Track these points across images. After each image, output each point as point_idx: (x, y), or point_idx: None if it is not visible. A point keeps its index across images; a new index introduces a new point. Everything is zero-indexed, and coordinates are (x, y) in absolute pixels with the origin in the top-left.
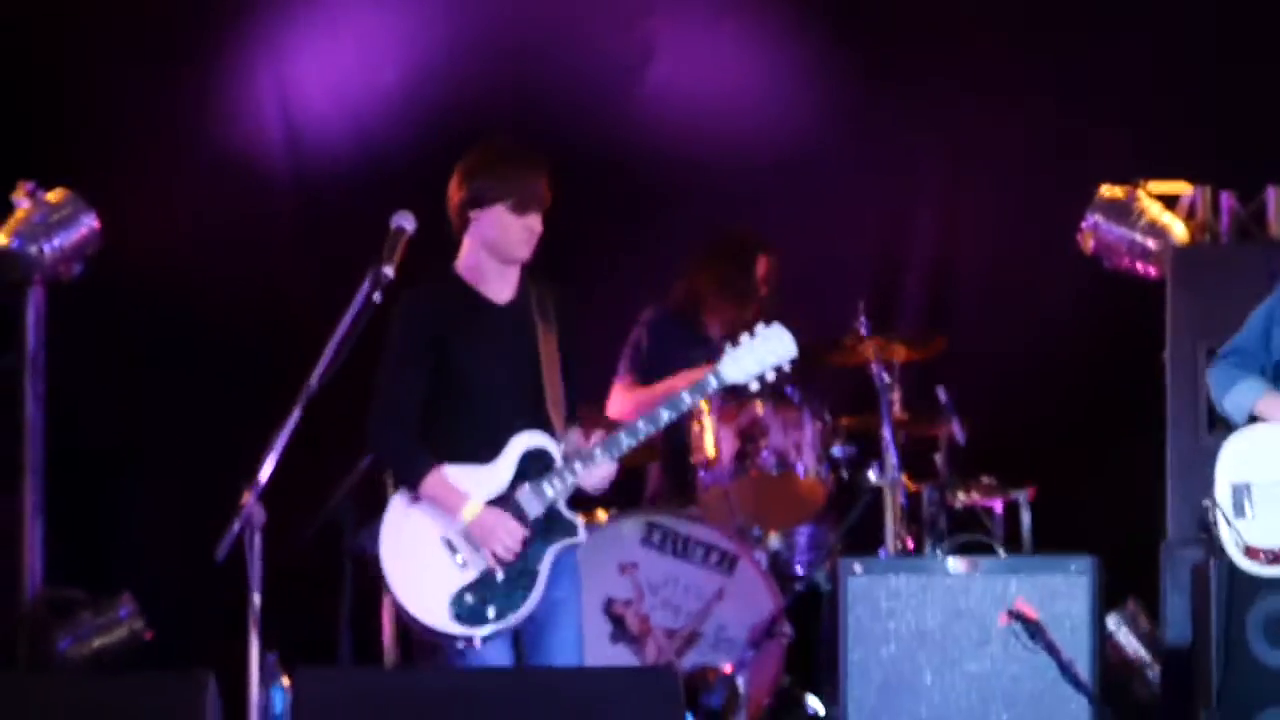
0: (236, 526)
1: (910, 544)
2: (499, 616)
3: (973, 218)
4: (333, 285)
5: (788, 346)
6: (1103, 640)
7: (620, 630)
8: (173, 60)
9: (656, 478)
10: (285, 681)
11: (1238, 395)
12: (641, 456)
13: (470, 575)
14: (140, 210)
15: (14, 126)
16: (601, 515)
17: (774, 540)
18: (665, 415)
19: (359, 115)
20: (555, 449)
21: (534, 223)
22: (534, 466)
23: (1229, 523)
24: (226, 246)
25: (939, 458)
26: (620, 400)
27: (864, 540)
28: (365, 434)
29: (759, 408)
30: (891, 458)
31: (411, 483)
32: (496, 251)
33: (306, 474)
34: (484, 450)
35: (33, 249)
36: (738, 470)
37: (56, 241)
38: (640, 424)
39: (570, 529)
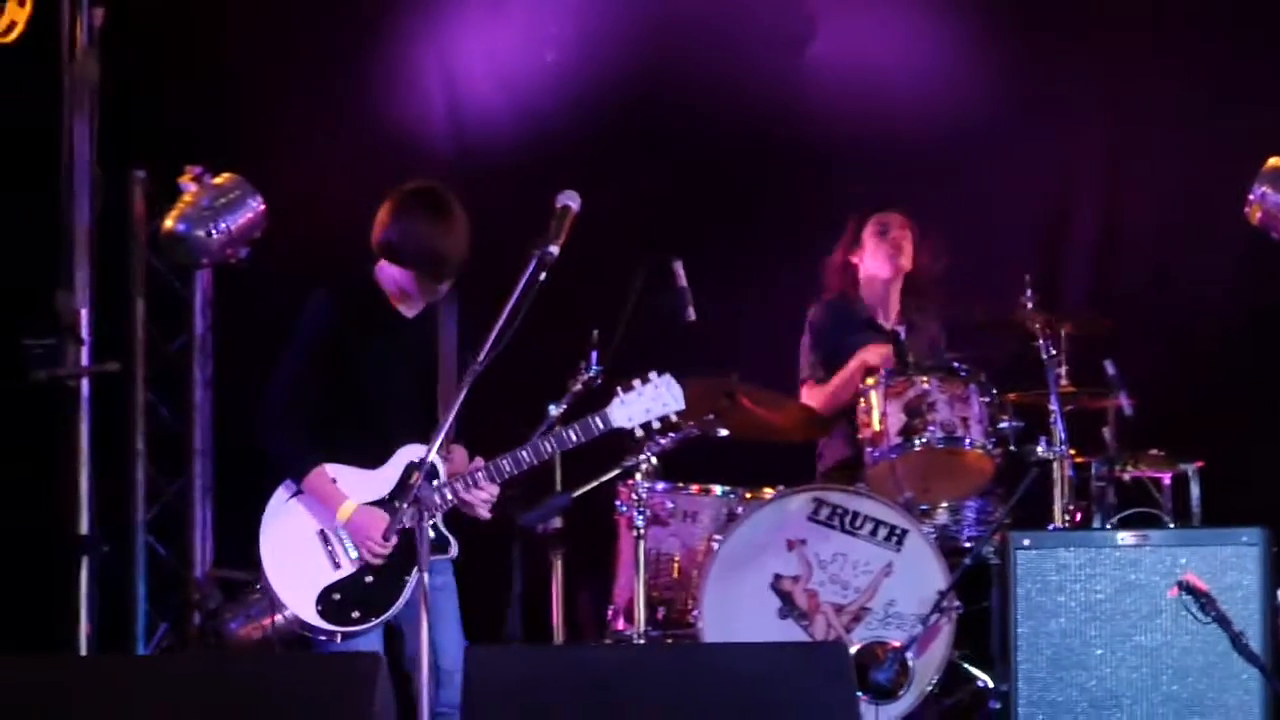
0: (406, 506)
1: (1078, 517)
2: (362, 619)
3: (1139, 188)
4: (497, 265)
5: (675, 399)
6: (1274, 612)
7: (789, 606)
8: (337, 42)
9: (833, 453)
10: None
11: None
12: (814, 432)
13: (341, 574)
14: (307, 192)
15: (182, 112)
16: (768, 492)
17: (941, 514)
18: (547, 447)
19: (521, 94)
20: (441, 464)
21: (441, 287)
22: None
23: None
24: None
25: (1107, 431)
26: (812, 401)
27: (1032, 514)
28: (254, 419)
29: (925, 382)
30: (1059, 431)
31: (294, 479)
32: (402, 291)
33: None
34: (370, 454)
35: (200, 233)
36: (905, 445)
37: (223, 225)
38: (524, 453)
39: (442, 544)
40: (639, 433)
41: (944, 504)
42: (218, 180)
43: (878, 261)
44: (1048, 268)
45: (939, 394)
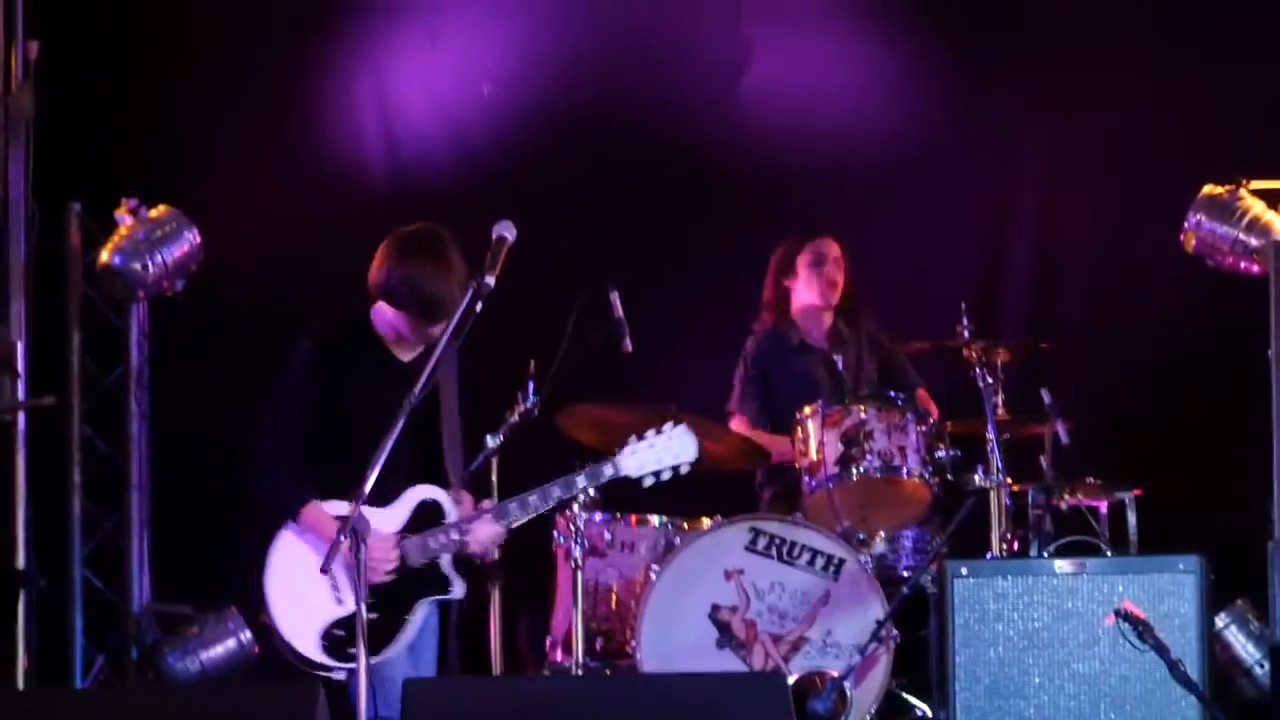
0: (341, 537)
1: (1016, 546)
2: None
3: (1075, 218)
4: None
5: (689, 450)
6: (1211, 639)
7: (726, 636)
8: (274, 75)
9: (764, 484)
10: None
11: None
12: (753, 462)
13: (344, 610)
14: (242, 224)
15: (117, 144)
16: (706, 522)
17: (879, 544)
18: (555, 493)
19: (457, 126)
20: (449, 506)
21: (436, 330)
22: (426, 519)
23: None
24: (328, 257)
25: (1044, 459)
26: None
27: (970, 543)
28: (242, 474)
29: (863, 411)
30: (996, 460)
31: (291, 516)
32: (399, 335)
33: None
34: (376, 494)
35: (136, 265)
36: (842, 474)
37: (160, 258)
38: (532, 498)
39: (444, 585)
40: (648, 482)
41: (881, 533)
42: (153, 213)
43: (812, 292)
44: (985, 297)
45: (876, 423)
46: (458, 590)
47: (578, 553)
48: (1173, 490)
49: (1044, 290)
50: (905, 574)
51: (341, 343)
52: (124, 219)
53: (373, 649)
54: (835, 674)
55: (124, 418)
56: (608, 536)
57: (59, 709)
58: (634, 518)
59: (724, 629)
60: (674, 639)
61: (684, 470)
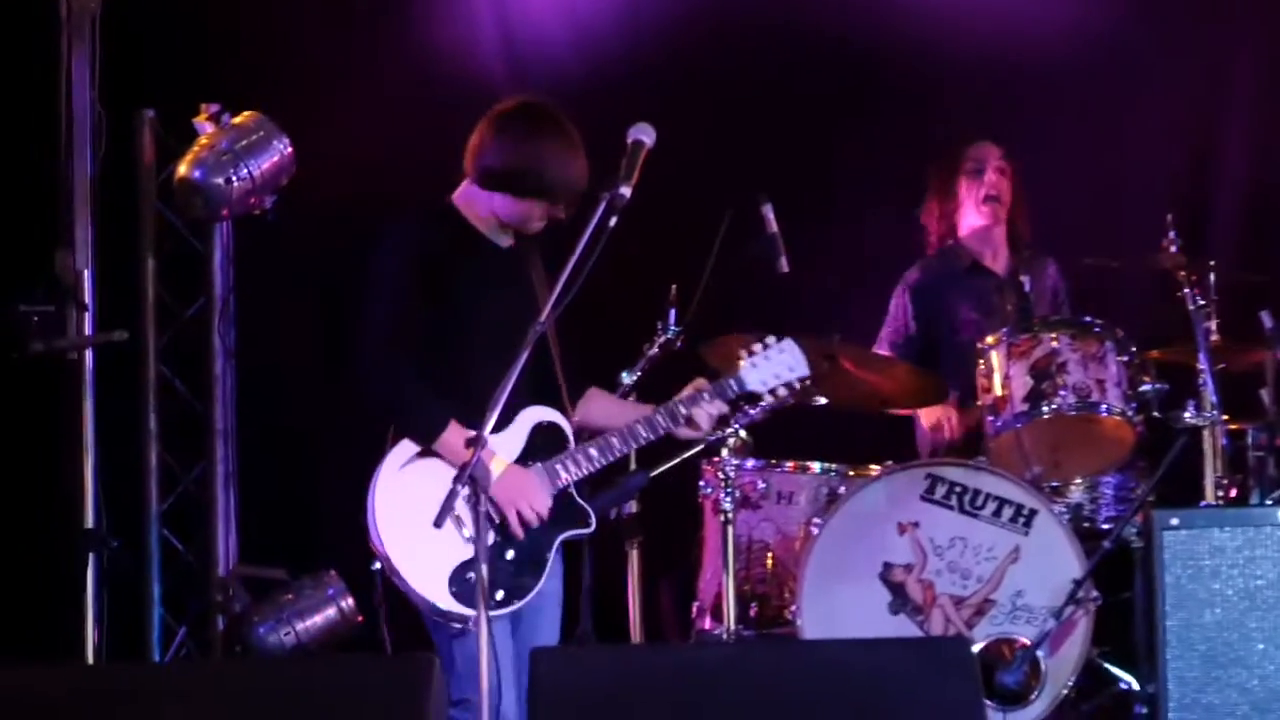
0: (459, 487)
1: (1234, 492)
2: (505, 600)
3: None
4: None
5: (802, 365)
6: None
7: (901, 599)
8: None
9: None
10: None
11: None
12: (928, 400)
13: (473, 550)
14: (339, 133)
15: (196, 44)
16: (874, 468)
17: (1075, 491)
18: (681, 410)
19: (580, 22)
20: (568, 427)
21: (559, 211)
22: (544, 443)
23: None
24: (438, 173)
25: (1265, 393)
26: None
27: (1180, 490)
28: (348, 374)
29: (1054, 340)
30: (1209, 394)
31: (427, 435)
32: (509, 222)
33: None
34: (484, 409)
35: (219, 180)
36: (1032, 412)
37: (246, 171)
38: (659, 417)
39: (582, 517)
40: (769, 400)
41: (1078, 480)
42: (238, 120)
43: (974, 206)
44: (1191, 213)
45: (1070, 353)
46: (592, 524)
47: (728, 504)
48: None
49: (1260, 204)
50: (1106, 526)
51: (437, 228)
52: (204, 127)
53: (514, 594)
54: (1026, 642)
55: (206, 355)
56: (761, 486)
57: (135, 686)
58: (792, 464)
59: (897, 591)
60: (839, 603)
61: (796, 385)
